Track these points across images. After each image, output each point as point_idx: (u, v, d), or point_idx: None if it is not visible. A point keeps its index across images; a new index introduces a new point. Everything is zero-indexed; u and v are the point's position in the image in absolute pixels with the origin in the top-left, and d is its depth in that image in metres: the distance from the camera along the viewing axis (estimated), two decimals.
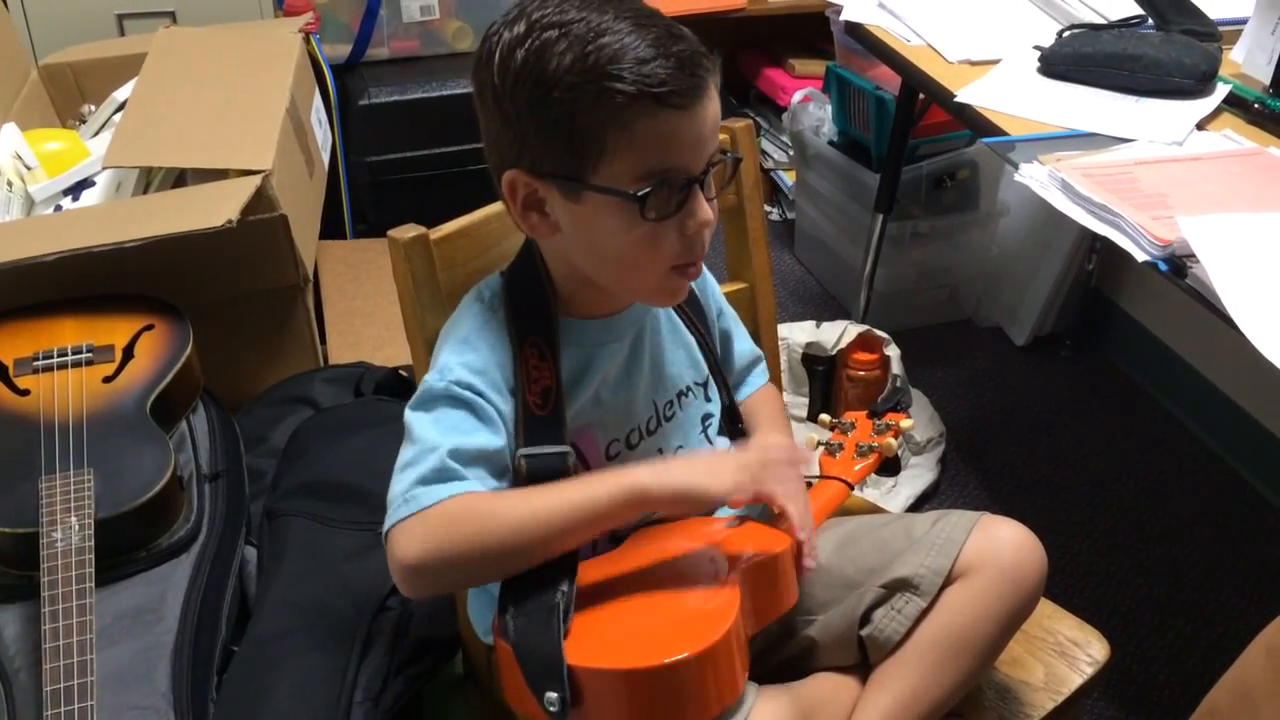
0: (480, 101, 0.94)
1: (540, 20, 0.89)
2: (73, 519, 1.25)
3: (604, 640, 0.90)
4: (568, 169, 0.91)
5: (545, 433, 0.98)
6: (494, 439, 0.95)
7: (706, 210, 0.94)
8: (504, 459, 0.96)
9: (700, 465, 0.95)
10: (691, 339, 1.10)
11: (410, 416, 0.96)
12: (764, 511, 1.19)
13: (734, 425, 1.15)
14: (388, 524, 0.91)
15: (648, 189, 0.89)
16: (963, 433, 2.27)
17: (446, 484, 0.91)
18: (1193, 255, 1.18)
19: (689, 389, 1.09)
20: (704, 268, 1.16)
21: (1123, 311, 2.46)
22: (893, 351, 2.13)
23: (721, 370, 1.14)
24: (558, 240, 0.97)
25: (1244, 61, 1.63)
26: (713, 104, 0.92)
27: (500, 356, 0.98)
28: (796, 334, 2.17)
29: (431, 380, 0.97)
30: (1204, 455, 2.23)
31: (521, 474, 0.97)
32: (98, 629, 1.18)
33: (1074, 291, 2.49)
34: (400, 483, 0.92)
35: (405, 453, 0.94)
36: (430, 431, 0.93)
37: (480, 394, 0.95)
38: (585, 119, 0.88)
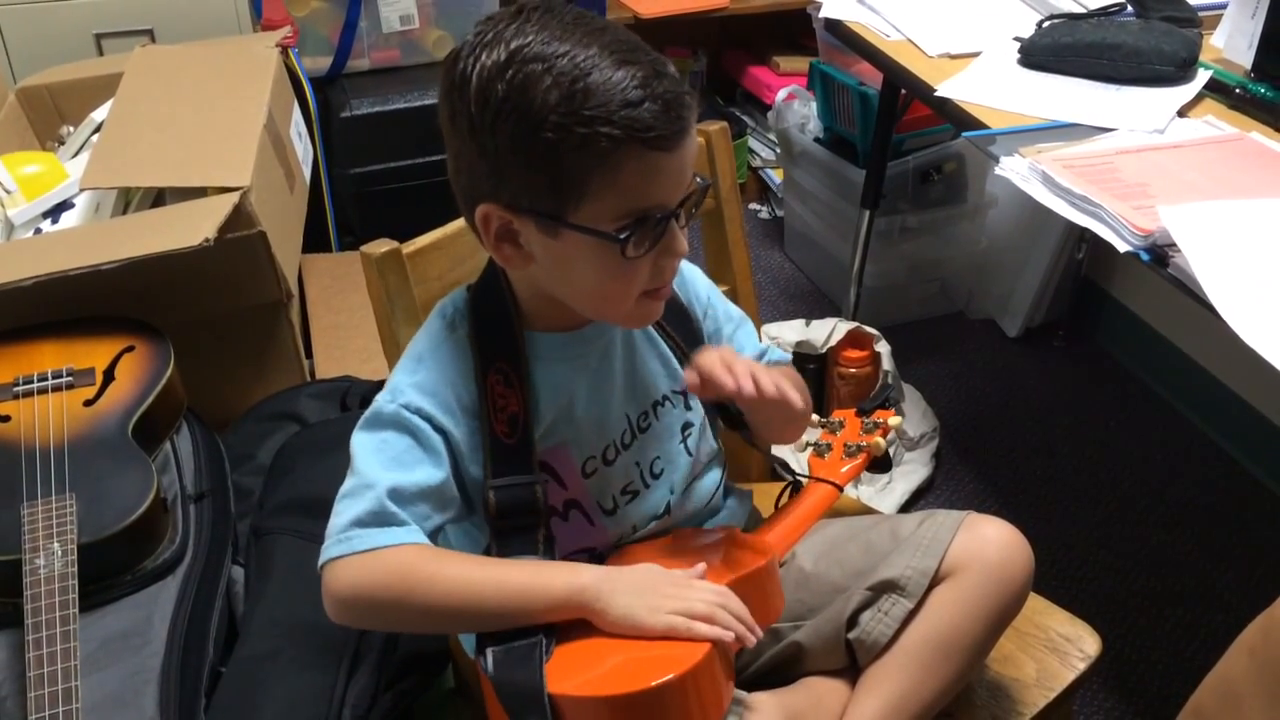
0: (452, 127, 0.91)
1: (522, 51, 0.85)
2: (55, 544, 1.24)
3: (586, 666, 0.89)
4: (548, 207, 0.89)
5: (513, 462, 0.97)
6: (436, 472, 0.94)
7: (682, 243, 0.93)
8: (448, 491, 0.96)
9: (646, 599, 0.91)
10: (666, 346, 1.08)
11: (355, 440, 0.96)
12: (750, 520, 1.18)
13: (731, 422, 1.13)
14: (323, 558, 0.92)
15: (629, 230, 0.88)
16: (957, 427, 2.26)
17: (385, 529, 0.91)
18: (1174, 244, 1.17)
19: (666, 398, 1.07)
20: (691, 265, 1.15)
21: (1114, 300, 2.45)
22: (883, 348, 2.12)
23: None
24: (530, 269, 0.95)
25: (1225, 46, 1.62)
26: (693, 140, 0.91)
27: (453, 375, 0.97)
28: (786, 333, 2.16)
29: (382, 401, 0.96)
30: (1200, 442, 2.22)
31: (490, 506, 0.96)
32: (84, 655, 1.18)
33: (1065, 281, 2.48)
34: (339, 518, 0.92)
35: (347, 481, 0.94)
36: (371, 463, 0.93)
37: (429, 418, 0.95)
38: (570, 161, 0.85)
